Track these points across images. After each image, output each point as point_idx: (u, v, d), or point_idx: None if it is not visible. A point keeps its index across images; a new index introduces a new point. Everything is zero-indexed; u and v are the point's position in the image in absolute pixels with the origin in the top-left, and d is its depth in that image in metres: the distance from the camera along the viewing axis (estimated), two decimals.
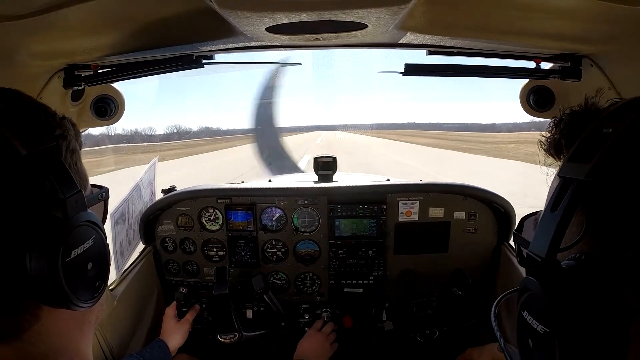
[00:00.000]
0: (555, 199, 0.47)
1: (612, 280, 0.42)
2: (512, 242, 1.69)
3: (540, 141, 0.56)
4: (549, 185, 0.56)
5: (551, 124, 0.55)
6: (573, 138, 0.49)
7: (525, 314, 0.47)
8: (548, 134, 0.55)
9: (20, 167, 0.48)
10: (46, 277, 0.47)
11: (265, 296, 1.62)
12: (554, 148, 0.54)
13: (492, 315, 0.69)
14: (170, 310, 1.56)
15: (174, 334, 1.47)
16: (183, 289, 1.60)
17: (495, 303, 0.70)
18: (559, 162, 0.54)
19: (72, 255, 0.50)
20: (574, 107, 0.53)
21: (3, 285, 0.47)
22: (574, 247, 0.46)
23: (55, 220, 0.49)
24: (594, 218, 0.45)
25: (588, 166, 0.44)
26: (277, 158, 17.74)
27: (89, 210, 0.55)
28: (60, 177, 0.50)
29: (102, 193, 0.66)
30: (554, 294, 0.43)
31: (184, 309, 1.63)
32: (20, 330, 0.49)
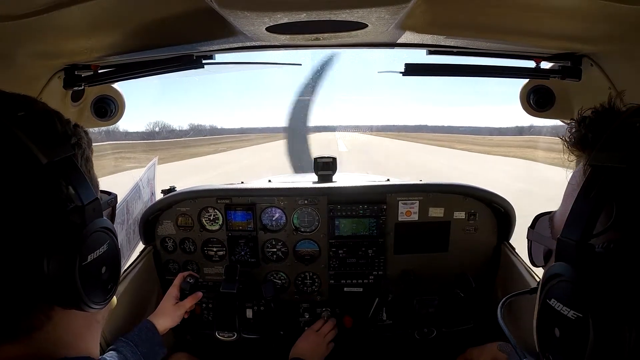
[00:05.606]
0: (588, 186, 0.47)
1: None
2: (512, 242, 1.69)
3: (564, 137, 0.57)
4: (568, 178, 0.58)
5: (573, 122, 0.57)
6: (601, 131, 0.50)
7: (553, 302, 0.46)
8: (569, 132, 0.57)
9: (41, 176, 0.50)
10: (64, 280, 0.49)
11: (272, 304, 1.63)
12: (580, 143, 0.55)
13: (499, 313, 0.69)
14: (173, 291, 1.55)
15: (167, 314, 1.47)
16: (191, 279, 1.58)
17: (502, 301, 0.70)
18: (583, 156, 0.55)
19: (89, 260, 0.53)
20: (595, 106, 0.55)
21: (21, 287, 0.49)
22: (602, 236, 0.46)
23: (74, 227, 0.51)
24: (624, 206, 0.45)
25: (621, 154, 0.45)
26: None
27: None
28: (79, 185, 0.53)
29: (111, 199, 0.68)
30: (591, 276, 0.43)
31: (186, 292, 1.58)
32: (32, 329, 0.51)
